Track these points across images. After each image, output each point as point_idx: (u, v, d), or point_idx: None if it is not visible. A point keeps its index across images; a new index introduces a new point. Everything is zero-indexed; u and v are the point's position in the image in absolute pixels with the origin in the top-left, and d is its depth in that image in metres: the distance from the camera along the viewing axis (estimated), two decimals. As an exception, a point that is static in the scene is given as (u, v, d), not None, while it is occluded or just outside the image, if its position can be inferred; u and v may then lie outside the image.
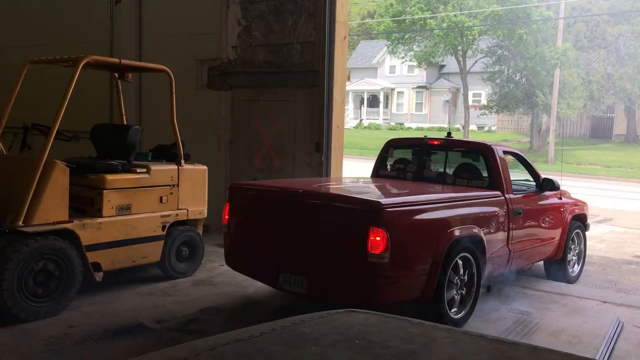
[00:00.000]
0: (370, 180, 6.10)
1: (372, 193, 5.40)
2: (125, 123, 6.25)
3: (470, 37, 29.70)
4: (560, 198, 6.22)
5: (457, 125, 35.55)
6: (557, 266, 6.25)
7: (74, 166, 4.77)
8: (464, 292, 4.70)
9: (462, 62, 31.86)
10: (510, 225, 5.26)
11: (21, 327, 4.25)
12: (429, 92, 40.22)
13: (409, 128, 37.54)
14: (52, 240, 4.49)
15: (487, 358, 1.27)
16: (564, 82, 27.22)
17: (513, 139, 33.21)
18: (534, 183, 6.01)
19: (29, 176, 4.47)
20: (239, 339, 1.28)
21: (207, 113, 8.13)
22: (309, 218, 4.44)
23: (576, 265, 6.50)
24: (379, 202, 4.18)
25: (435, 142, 6.06)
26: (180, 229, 5.69)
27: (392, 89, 41.01)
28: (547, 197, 6.00)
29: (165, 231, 5.51)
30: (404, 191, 5.48)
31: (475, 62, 31.45)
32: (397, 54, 33.62)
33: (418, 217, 4.37)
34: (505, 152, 5.73)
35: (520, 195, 5.60)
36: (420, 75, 39.64)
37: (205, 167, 5.99)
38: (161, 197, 5.48)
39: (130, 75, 5.97)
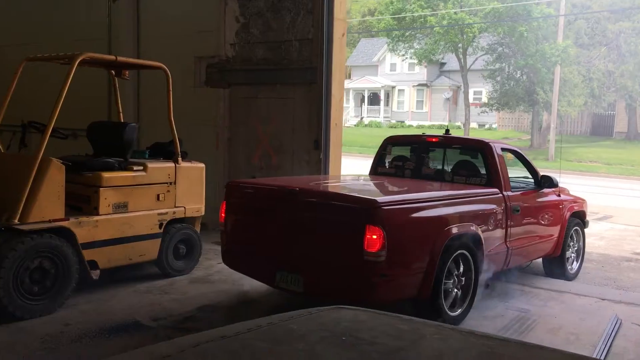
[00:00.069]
0: (368, 178, 6.08)
1: (369, 191, 5.38)
2: (122, 120, 6.23)
3: (471, 35, 29.65)
4: (559, 195, 6.20)
5: (458, 123, 35.51)
6: (555, 263, 6.23)
7: (70, 164, 4.75)
8: (461, 289, 4.68)
9: (462, 60, 31.80)
10: (508, 223, 5.24)
11: (17, 325, 4.24)
12: (430, 90, 40.17)
13: (410, 126, 37.50)
14: (48, 238, 4.48)
15: (476, 354, 1.25)
16: (565, 79, 27.16)
17: (514, 136, 33.18)
18: (533, 180, 5.99)
19: (24, 174, 4.46)
20: (223, 336, 1.27)
21: (206, 111, 8.12)
22: (305, 216, 4.42)
23: (575, 263, 6.48)
24: (375, 201, 4.16)
25: (434, 140, 6.05)
26: (178, 226, 5.68)
27: (393, 87, 40.96)
28: (546, 194, 5.98)
29: (162, 229, 5.50)
30: (401, 189, 5.46)
31: (476, 59, 31.39)
32: (398, 51, 33.57)
33: (415, 215, 4.35)
34: (503, 149, 5.71)
35: (518, 193, 5.58)
36: (420, 73, 39.59)
37: (202, 165, 5.97)
38: (158, 195, 5.46)
39: (127, 72, 5.96)
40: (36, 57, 5.43)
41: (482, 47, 30.20)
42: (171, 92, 5.79)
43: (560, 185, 6.24)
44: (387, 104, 41.29)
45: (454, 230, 4.51)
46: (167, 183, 5.54)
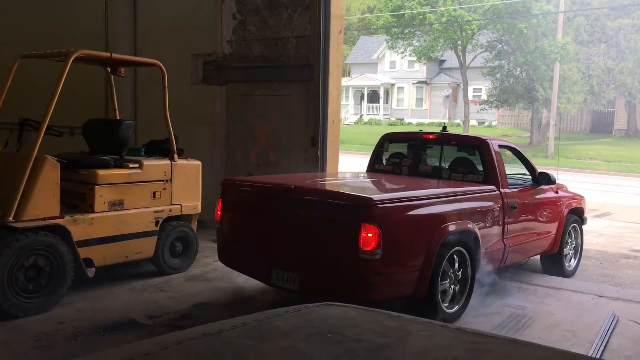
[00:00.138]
0: (365, 175, 6.06)
1: (365, 188, 5.37)
2: (118, 118, 6.21)
3: (470, 32, 29.60)
4: (557, 192, 6.18)
5: (458, 121, 35.47)
6: (553, 260, 6.21)
7: (65, 161, 4.73)
8: (458, 287, 4.67)
9: (461, 57, 31.76)
10: (506, 220, 5.22)
11: (12, 323, 4.23)
12: (429, 88, 40.13)
13: (410, 123, 37.46)
14: (42, 236, 4.46)
15: (462, 350, 1.24)
16: (564, 76, 27.12)
17: (513, 134, 33.13)
18: (530, 177, 5.97)
19: (19, 172, 4.44)
20: (207, 333, 1.25)
21: (203, 108, 8.10)
22: (301, 214, 4.41)
23: (573, 260, 6.47)
24: (370, 198, 4.14)
25: (431, 137, 6.02)
26: (174, 224, 5.66)
27: (392, 85, 40.92)
28: (543, 191, 5.96)
29: (158, 226, 5.48)
30: (397, 186, 5.45)
31: (475, 56, 31.35)
32: (397, 49, 33.52)
33: (411, 212, 4.33)
34: (500, 146, 5.69)
35: (515, 190, 5.56)
36: (420, 70, 39.54)
37: (199, 162, 5.95)
38: (154, 193, 5.44)
39: (122, 69, 5.93)
40: (31, 55, 5.40)
41: (481, 44, 30.15)
42: (167, 90, 5.77)
43: (558, 182, 6.22)
44: (386, 101, 41.25)
45: (451, 227, 4.49)
46: (163, 180, 5.52)
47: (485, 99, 31.79)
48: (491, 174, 5.33)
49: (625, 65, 28.34)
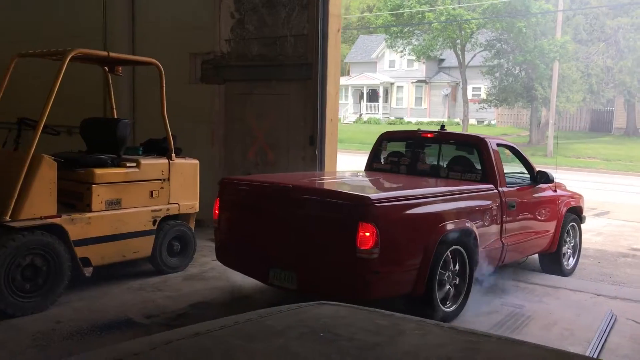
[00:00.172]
0: (363, 174, 6.05)
1: (362, 187, 5.36)
2: (115, 117, 6.19)
3: (469, 31, 29.58)
4: (555, 191, 6.17)
5: (457, 120, 35.46)
6: (551, 259, 6.21)
7: (62, 160, 4.72)
8: (456, 285, 4.66)
9: (461, 56, 31.74)
10: (504, 219, 5.22)
11: (9, 323, 4.22)
12: (429, 87, 40.11)
13: (409, 122, 37.44)
14: (39, 235, 4.45)
15: (454, 349, 1.23)
16: (563, 75, 27.11)
17: (512, 132, 33.12)
18: (529, 176, 5.96)
19: (16, 171, 4.43)
20: (197, 333, 1.24)
21: (201, 107, 8.09)
22: (298, 213, 4.40)
23: (571, 258, 6.46)
24: (368, 197, 4.13)
25: (429, 135, 6.01)
26: (172, 223, 5.65)
27: (392, 84, 40.89)
28: (542, 190, 5.95)
29: (156, 226, 5.47)
30: (395, 185, 5.44)
31: (474, 55, 31.33)
32: (396, 48, 33.50)
33: (408, 211, 4.32)
34: (498, 145, 5.68)
35: (514, 188, 5.55)
36: (419, 69, 39.52)
37: (196, 161, 5.94)
38: (152, 192, 5.43)
39: (120, 68, 5.92)
40: (28, 53, 5.38)
41: (480, 43, 30.14)
42: (164, 88, 5.75)
43: (557, 180, 6.21)
44: (385, 100, 41.22)
45: (449, 226, 4.48)
46: (160, 179, 5.51)
47: (485, 97, 31.78)
48: (489, 173, 5.32)
49: (624, 64, 28.32)
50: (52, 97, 4.67)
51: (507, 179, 5.50)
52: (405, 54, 34.73)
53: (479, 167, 5.46)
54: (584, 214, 6.74)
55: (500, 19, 28.08)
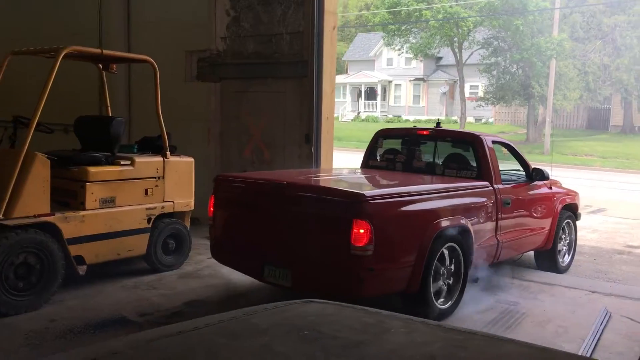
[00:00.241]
0: (358, 171, 6.05)
1: (357, 184, 5.35)
2: (110, 114, 6.17)
3: (466, 29, 29.57)
4: (551, 188, 6.17)
5: (455, 118, 35.46)
6: (547, 256, 6.21)
7: (55, 158, 4.70)
8: (450, 282, 4.66)
9: (458, 54, 31.73)
10: (499, 216, 5.21)
11: (2, 321, 4.20)
12: (427, 85, 40.08)
13: (407, 120, 37.40)
14: (32, 234, 4.44)
15: (439, 347, 1.22)
16: (560, 73, 27.11)
17: (510, 130, 33.13)
18: (524, 173, 5.97)
19: (9, 169, 4.41)
20: (181, 331, 1.23)
21: (197, 105, 8.07)
22: (293, 210, 4.39)
23: (566, 255, 6.47)
24: (362, 194, 4.12)
25: (425, 133, 6.01)
26: (167, 221, 5.64)
27: (390, 82, 40.86)
28: (537, 187, 5.95)
29: (150, 224, 5.46)
30: (390, 182, 5.43)
31: (472, 53, 31.32)
32: (393, 45, 33.47)
33: (403, 208, 4.31)
34: (494, 142, 5.68)
35: (509, 186, 5.55)
36: (417, 67, 39.49)
37: (191, 159, 5.93)
38: (146, 190, 5.42)
39: (114, 66, 5.90)
40: (21, 51, 5.36)
41: (477, 41, 30.12)
42: (159, 86, 5.73)
43: (553, 178, 6.21)
44: (383, 98, 41.19)
45: (443, 223, 4.48)
46: (155, 177, 5.50)
47: (482, 95, 31.76)
48: (484, 170, 5.32)
49: (621, 61, 28.32)
50: (45, 95, 4.65)
51: (503, 176, 5.50)
52: (402, 52, 34.71)
53: (474, 164, 5.46)
54: (580, 211, 6.75)
55: (497, 17, 28.06)
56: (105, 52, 5.48)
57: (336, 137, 7.80)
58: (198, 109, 8.05)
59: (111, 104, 6.40)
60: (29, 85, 7.86)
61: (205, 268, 5.83)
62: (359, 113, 40.77)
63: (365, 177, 5.73)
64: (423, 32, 31.64)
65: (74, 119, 5.96)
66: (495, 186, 5.25)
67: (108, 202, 5.09)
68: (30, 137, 4.56)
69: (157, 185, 5.51)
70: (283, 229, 4.42)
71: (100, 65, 5.92)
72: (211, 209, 4.91)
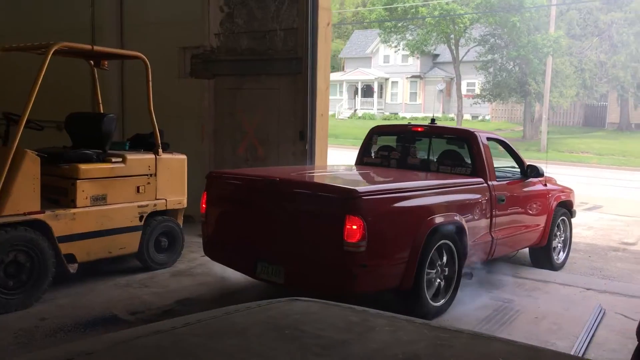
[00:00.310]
0: (352, 168, 6.02)
1: (350, 181, 5.31)
2: (101, 111, 6.12)
3: (462, 26, 29.52)
4: (545, 185, 6.15)
5: (452, 115, 35.44)
6: (541, 253, 6.19)
7: (45, 155, 4.65)
8: (444, 280, 4.63)
9: (454, 51, 31.69)
10: (493, 212, 5.19)
11: (-9, 320, 4.16)
12: (423, 82, 40.06)
13: (404, 118, 37.36)
14: (22, 231, 4.39)
15: (424, 346, 1.19)
16: (557, 70, 27.11)
17: (507, 127, 33.15)
18: (519, 170, 5.94)
19: (-2, 166, 4.36)
20: (158, 331, 1.20)
21: (191, 102, 8.02)
22: (286, 207, 4.36)
23: (561, 253, 6.45)
24: (355, 190, 4.09)
25: (419, 129, 5.99)
26: (159, 219, 5.59)
27: (386, 79, 40.83)
28: (532, 184, 5.93)
29: (142, 221, 5.41)
30: (384, 179, 5.40)
31: (468, 50, 31.28)
32: (390, 42, 33.40)
33: (396, 204, 4.28)
34: (489, 139, 5.65)
35: (504, 182, 5.52)
36: (414, 64, 39.46)
37: (184, 156, 5.88)
38: (138, 187, 5.37)
39: (106, 62, 5.83)
40: (11, 48, 5.31)
41: (474, 38, 30.08)
42: (150, 83, 5.68)
43: (549, 175, 6.19)
44: (380, 95, 41.16)
45: (437, 220, 4.45)
46: (147, 175, 5.45)
47: (479, 93, 31.76)
48: (479, 167, 5.29)
49: (617, 58, 28.34)
50: (35, 92, 4.60)
51: (497, 173, 5.47)
52: (399, 49, 34.63)
53: (469, 161, 5.43)
54: (575, 208, 6.73)
55: (493, 14, 28.02)
56: (96, 48, 5.42)
57: (332, 134, 7.79)
58: (191, 105, 8.00)
59: (104, 100, 6.34)
60: (24, 82, 7.81)
61: (198, 266, 5.79)
62: (355, 110, 40.73)
63: (359, 173, 5.69)
64: (419, 29, 31.59)
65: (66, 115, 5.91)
66: (489, 183, 5.22)
67: (99, 199, 5.04)
68: (20, 134, 4.51)
69: (149, 183, 5.46)
70: (276, 225, 4.39)
71: (92, 62, 5.86)
72: (203, 205, 4.88)
